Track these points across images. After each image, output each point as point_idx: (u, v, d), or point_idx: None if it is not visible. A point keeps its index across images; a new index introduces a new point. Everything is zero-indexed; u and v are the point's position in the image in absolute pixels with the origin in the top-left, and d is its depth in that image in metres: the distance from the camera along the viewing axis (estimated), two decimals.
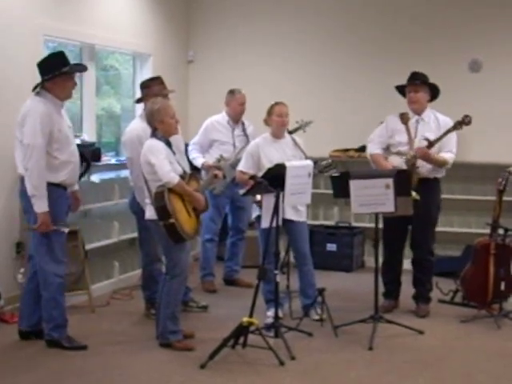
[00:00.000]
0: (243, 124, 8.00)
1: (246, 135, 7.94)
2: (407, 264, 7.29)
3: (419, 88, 7.00)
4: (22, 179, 5.83)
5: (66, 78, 5.88)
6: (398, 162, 6.87)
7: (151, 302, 6.77)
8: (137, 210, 6.66)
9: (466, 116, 6.72)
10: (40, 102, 5.77)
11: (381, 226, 7.02)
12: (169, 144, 5.91)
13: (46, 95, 5.82)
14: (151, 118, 5.89)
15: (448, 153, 6.91)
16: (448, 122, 6.96)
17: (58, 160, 5.81)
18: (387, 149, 7.08)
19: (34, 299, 6.04)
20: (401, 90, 7.17)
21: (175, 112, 5.98)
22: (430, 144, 6.75)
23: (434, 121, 7.00)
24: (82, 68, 6.34)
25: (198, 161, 7.74)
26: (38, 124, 5.67)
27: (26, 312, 6.13)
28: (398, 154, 6.92)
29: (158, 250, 6.56)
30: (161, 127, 5.87)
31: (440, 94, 7.11)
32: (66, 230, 5.96)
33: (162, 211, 5.67)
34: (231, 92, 7.98)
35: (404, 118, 6.97)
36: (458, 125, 6.74)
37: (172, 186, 5.69)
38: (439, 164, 6.90)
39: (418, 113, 7.00)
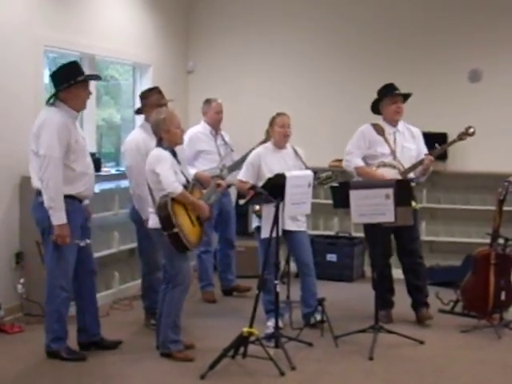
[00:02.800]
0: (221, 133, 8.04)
1: (226, 144, 7.99)
2: (397, 274, 7.30)
3: (402, 100, 7.13)
4: (37, 192, 5.76)
5: (81, 87, 5.82)
6: (391, 174, 6.87)
7: (151, 311, 6.76)
8: (137, 218, 6.68)
9: (470, 127, 6.77)
10: (56, 112, 5.71)
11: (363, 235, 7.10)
12: (174, 153, 5.93)
13: (61, 106, 5.76)
14: (156, 128, 5.90)
15: None
16: (418, 130, 7.20)
17: (75, 172, 5.75)
18: (363, 159, 7.10)
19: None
20: (374, 105, 7.26)
21: (180, 122, 6.00)
22: (430, 154, 6.88)
23: (407, 131, 7.14)
24: (96, 77, 6.33)
25: (190, 172, 7.73)
26: (55, 135, 5.59)
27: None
28: (384, 165, 6.95)
29: (158, 259, 6.56)
30: (166, 137, 5.88)
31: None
32: (82, 244, 5.86)
33: (166, 221, 5.67)
34: (207, 101, 8.03)
35: (379, 129, 7.04)
36: (463, 135, 6.84)
37: (175, 195, 5.70)
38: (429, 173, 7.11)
39: (395, 124, 7.09)
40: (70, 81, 5.72)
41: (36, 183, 5.76)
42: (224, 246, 8.20)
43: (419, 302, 7.15)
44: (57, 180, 5.60)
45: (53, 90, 5.86)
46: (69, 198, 5.72)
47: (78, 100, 5.84)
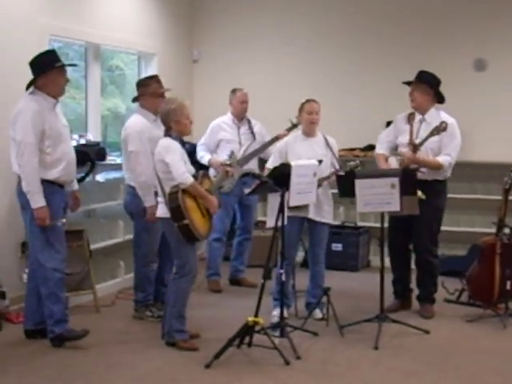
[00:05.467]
0: (249, 122, 8.02)
1: (252, 133, 7.96)
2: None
3: (416, 86, 6.95)
4: (19, 178, 5.87)
5: (58, 74, 5.91)
6: (394, 164, 6.88)
7: (145, 304, 6.77)
8: (134, 210, 6.70)
9: (443, 122, 6.65)
10: (32, 100, 5.82)
11: (386, 225, 7.03)
12: (183, 143, 5.92)
13: (38, 93, 5.86)
14: (166, 118, 5.89)
15: (444, 156, 6.81)
16: (450, 124, 6.80)
17: (51, 157, 5.84)
18: (396, 149, 7.08)
19: (36, 298, 6.05)
20: None
21: (190, 113, 5.99)
22: (415, 147, 6.72)
23: (437, 122, 6.80)
24: (73, 64, 6.36)
25: (205, 158, 7.81)
26: (29, 121, 5.71)
27: (29, 311, 6.14)
28: (396, 154, 6.94)
29: (156, 250, 6.64)
30: (176, 127, 5.87)
31: (444, 99, 7.03)
32: (61, 223, 5.96)
33: (177, 212, 5.68)
34: (233, 91, 8.06)
35: (411, 118, 6.96)
36: (435, 131, 6.62)
37: (186, 186, 5.70)
38: (431, 167, 6.78)
39: (421, 112, 6.95)
40: (46, 68, 5.84)
41: (16, 169, 5.88)
42: (241, 234, 8.23)
43: (423, 296, 7.13)
44: (32, 165, 5.73)
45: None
46: (47, 183, 5.83)
47: (56, 86, 5.93)
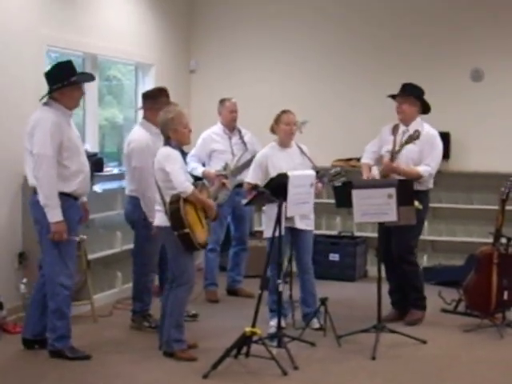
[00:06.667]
0: (240, 132, 8.03)
1: (243, 143, 7.97)
2: None
3: (404, 99, 7.03)
4: (34, 190, 5.80)
5: (74, 87, 5.87)
6: (376, 173, 6.98)
7: (143, 314, 6.77)
8: (137, 219, 6.69)
9: (416, 131, 6.70)
10: (49, 111, 5.77)
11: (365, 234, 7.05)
12: (182, 153, 5.93)
13: (54, 105, 5.81)
14: (164, 127, 5.90)
15: (424, 166, 6.88)
16: (431, 135, 6.96)
17: (69, 169, 5.80)
18: (381, 159, 7.12)
19: (40, 309, 6.03)
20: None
21: (188, 121, 6.00)
22: (392, 156, 6.80)
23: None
24: (89, 78, 6.31)
25: (198, 170, 7.77)
26: (47, 134, 5.65)
27: (31, 321, 6.12)
28: (380, 165, 7.01)
29: (156, 260, 6.62)
30: (174, 136, 5.87)
31: (430, 109, 7.10)
32: (77, 239, 5.94)
33: (178, 221, 5.68)
34: (222, 101, 8.06)
35: (395, 129, 7.03)
36: (409, 139, 6.70)
37: (187, 195, 5.71)
38: (411, 176, 6.79)
39: (406, 124, 7.01)
40: (63, 81, 5.78)
41: (32, 181, 5.83)
42: (237, 244, 8.23)
43: (409, 302, 7.14)
44: (51, 178, 5.67)
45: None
46: (64, 195, 5.78)
47: (71, 100, 5.90)
